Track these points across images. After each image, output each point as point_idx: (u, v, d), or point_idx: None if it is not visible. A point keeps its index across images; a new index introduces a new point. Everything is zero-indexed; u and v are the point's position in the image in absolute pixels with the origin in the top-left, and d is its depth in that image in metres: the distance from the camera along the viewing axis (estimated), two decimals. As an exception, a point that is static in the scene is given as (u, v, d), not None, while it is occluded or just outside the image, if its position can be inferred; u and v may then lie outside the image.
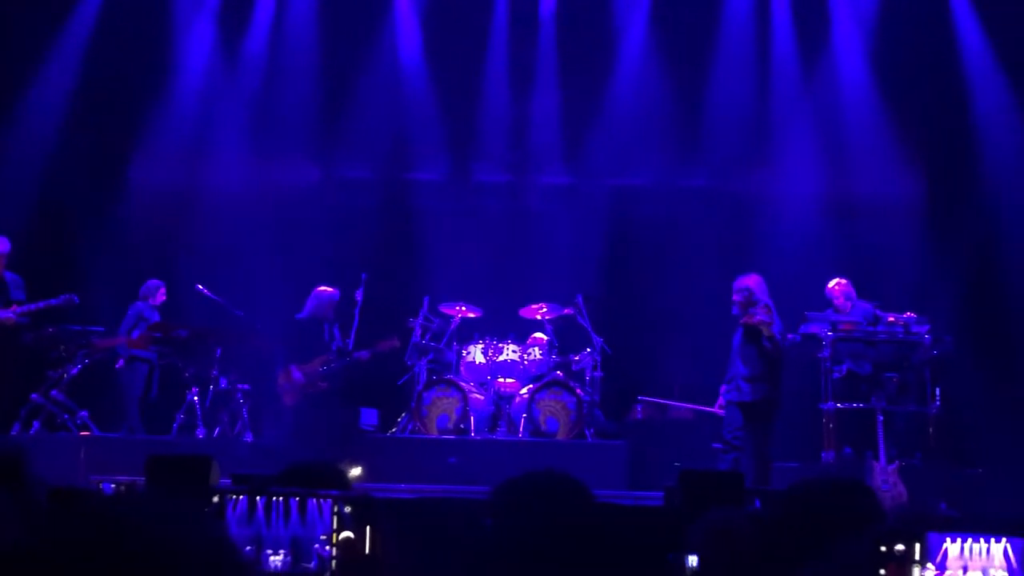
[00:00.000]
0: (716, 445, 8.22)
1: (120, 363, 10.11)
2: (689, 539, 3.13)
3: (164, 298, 10.39)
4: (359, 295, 9.64)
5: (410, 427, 9.76)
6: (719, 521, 3.12)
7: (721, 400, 8.53)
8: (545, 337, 10.52)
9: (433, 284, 10.88)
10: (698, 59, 11.91)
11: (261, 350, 10.09)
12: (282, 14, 12.14)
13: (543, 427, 9.55)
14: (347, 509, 2.03)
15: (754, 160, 12.02)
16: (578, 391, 9.72)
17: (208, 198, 11.80)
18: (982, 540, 2.35)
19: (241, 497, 2.10)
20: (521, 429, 9.70)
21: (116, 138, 11.80)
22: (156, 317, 10.24)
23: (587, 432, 9.62)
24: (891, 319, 9.13)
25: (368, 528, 2.03)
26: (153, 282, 10.40)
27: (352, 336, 9.59)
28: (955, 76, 11.46)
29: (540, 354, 10.22)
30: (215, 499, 2.09)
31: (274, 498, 2.08)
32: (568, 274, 11.18)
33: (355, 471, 7.49)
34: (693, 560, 2.97)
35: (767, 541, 2.81)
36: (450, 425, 9.54)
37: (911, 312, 9.19)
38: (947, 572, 2.36)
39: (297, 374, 9.51)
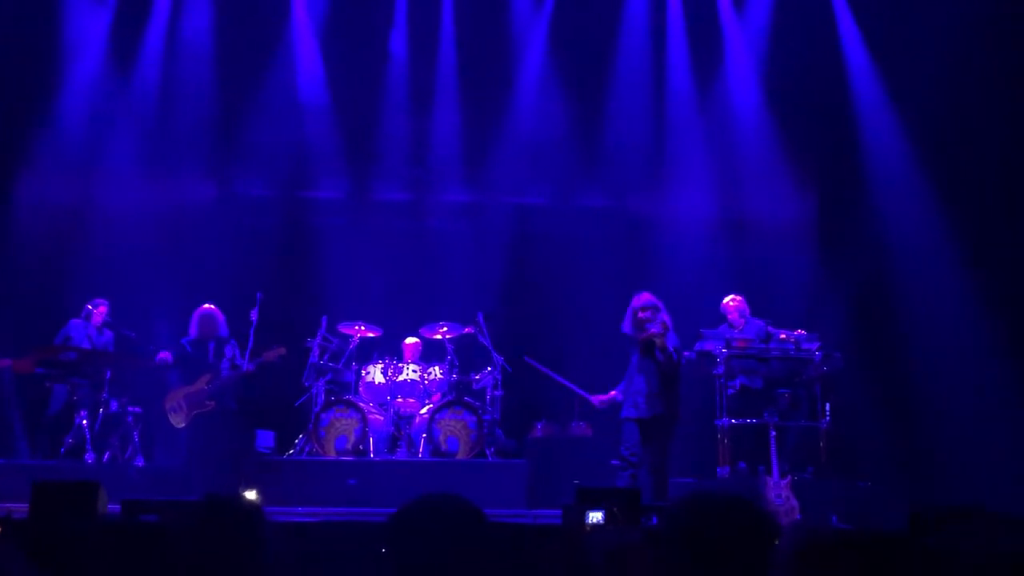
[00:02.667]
0: (614, 462, 8.29)
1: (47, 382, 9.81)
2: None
3: (103, 318, 10.05)
4: (254, 314, 9.50)
5: (308, 449, 9.62)
6: (616, 540, 3.14)
7: (603, 396, 8.59)
8: (416, 340, 10.55)
9: (332, 303, 10.78)
10: (596, 82, 12.08)
11: (153, 372, 9.86)
12: (177, 29, 11.91)
13: (443, 447, 9.51)
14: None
15: (651, 181, 12.22)
16: (479, 410, 9.72)
17: (100, 216, 11.48)
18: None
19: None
20: (421, 449, 9.65)
21: (1, 155, 11.41)
22: (90, 335, 9.92)
23: (487, 451, 9.61)
24: (783, 336, 9.36)
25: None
26: (94, 301, 10.08)
27: (247, 356, 9.45)
28: (844, 101, 11.82)
29: (441, 373, 10.22)
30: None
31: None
32: (469, 292, 11.20)
33: (250, 494, 7.36)
34: None
35: (660, 557, 2.83)
36: (349, 446, 9.44)
37: (802, 329, 9.44)
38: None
39: (169, 396, 9.38)
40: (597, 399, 8.73)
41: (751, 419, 9.03)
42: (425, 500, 2.65)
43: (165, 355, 9.60)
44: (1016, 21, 10.48)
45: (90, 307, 10.05)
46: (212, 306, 9.73)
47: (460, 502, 2.66)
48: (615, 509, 5.17)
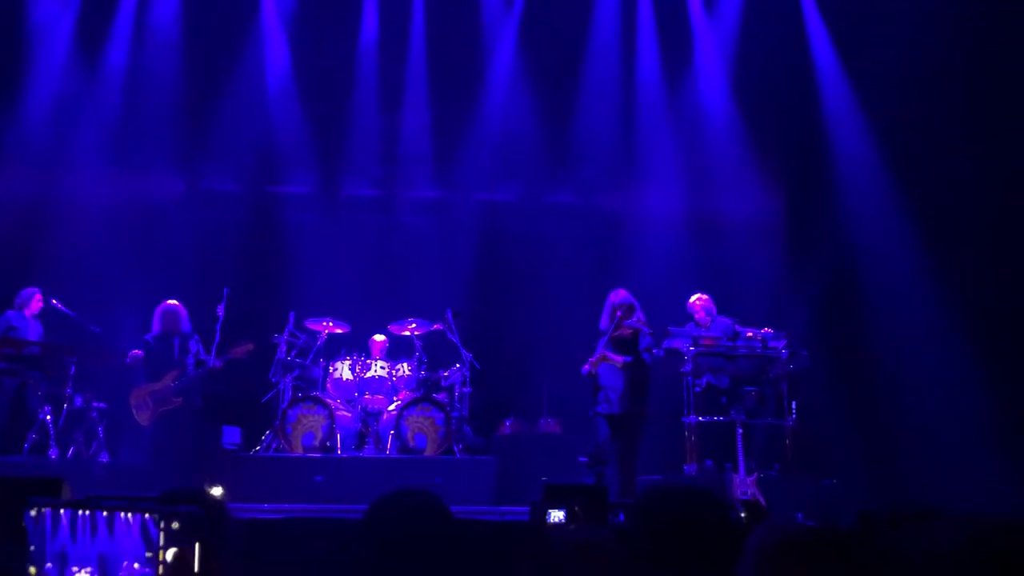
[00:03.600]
0: (582, 459, 8.30)
1: None
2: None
3: (40, 307, 9.92)
4: (221, 310, 9.43)
5: (274, 445, 9.58)
6: (582, 536, 3.14)
7: (587, 367, 8.56)
8: (383, 337, 10.53)
9: (300, 299, 10.72)
10: (566, 79, 12.11)
11: (118, 367, 9.77)
12: (145, 22, 11.80)
13: (411, 444, 9.49)
14: (169, 525, 1.95)
15: (620, 178, 12.27)
16: (447, 407, 9.71)
17: (65, 209, 11.34)
18: None
19: (46, 510, 2.01)
20: (389, 446, 9.62)
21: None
22: (30, 326, 9.80)
23: (456, 448, 9.60)
24: (750, 334, 9.40)
25: (195, 547, 1.95)
26: (27, 290, 9.94)
27: (213, 352, 9.38)
28: (812, 101, 11.91)
29: (409, 370, 10.20)
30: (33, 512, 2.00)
31: (81, 512, 1.99)
32: (437, 289, 11.18)
33: (215, 490, 7.30)
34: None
35: (625, 552, 2.83)
36: (316, 443, 9.39)
37: (768, 327, 9.49)
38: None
39: (135, 393, 9.29)
40: (593, 359, 8.61)
41: (718, 417, 9.08)
42: (392, 496, 2.64)
43: (137, 353, 9.51)
44: (982, 20, 10.57)
45: (39, 297, 9.90)
46: (175, 302, 9.66)
47: (427, 498, 2.65)
48: (576, 508, 5.15)
